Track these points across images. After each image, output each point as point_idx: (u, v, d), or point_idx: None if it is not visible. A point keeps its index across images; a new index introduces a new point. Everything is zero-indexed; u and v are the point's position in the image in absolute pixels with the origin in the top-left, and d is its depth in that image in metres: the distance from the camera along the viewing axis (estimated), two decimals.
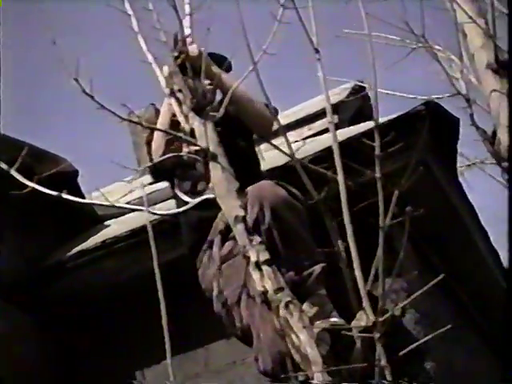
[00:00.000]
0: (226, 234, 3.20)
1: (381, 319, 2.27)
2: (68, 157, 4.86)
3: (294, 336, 2.47)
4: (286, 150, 2.66)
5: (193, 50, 3.13)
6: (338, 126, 3.80)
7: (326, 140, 4.24)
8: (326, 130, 4.97)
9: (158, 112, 4.32)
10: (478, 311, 5.53)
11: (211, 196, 2.81)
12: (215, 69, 3.39)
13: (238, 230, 2.60)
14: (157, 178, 3.91)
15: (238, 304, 3.16)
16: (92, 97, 2.50)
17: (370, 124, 3.87)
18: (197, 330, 4.37)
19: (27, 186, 2.69)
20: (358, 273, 2.34)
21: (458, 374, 4.46)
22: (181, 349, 4.24)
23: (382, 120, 3.84)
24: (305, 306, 2.86)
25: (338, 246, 2.69)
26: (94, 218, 4.98)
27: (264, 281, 2.53)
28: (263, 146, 4.03)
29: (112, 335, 4.63)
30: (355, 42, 2.81)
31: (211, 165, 2.71)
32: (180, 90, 2.85)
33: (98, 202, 2.99)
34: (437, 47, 3.23)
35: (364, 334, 2.39)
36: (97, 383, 4.59)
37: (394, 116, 4.13)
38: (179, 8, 2.89)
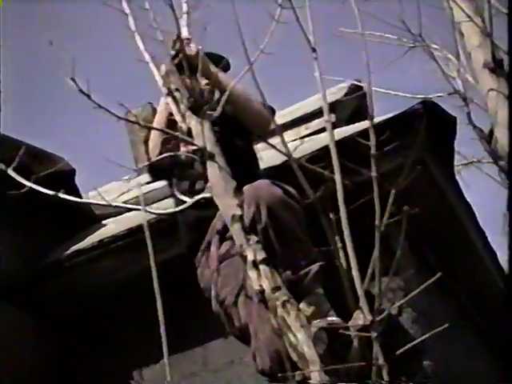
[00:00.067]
0: (224, 233, 3.20)
1: (378, 318, 2.28)
2: (65, 156, 4.86)
3: (291, 335, 2.47)
4: (283, 149, 2.66)
5: (190, 49, 3.13)
6: (335, 126, 3.79)
7: (323, 139, 4.23)
8: (323, 129, 4.95)
9: (155, 111, 4.31)
10: (475, 310, 5.52)
11: (208, 195, 2.81)
12: (212, 68, 3.39)
13: (235, 229, 2.60)
14: (154, 177, 3.90)
15: (235, 303, 3.16)
16: (89, 96, 2.50)
17: (367, 123, 3.86)
18: (195, 329, 4.37)
19: (25, 186, 2.69)
20: (354, 272, 2.34)
21: (455, 373, 4.45)
22: (178, 348, 4.24)
23: (379, 119, 3.85)
24: (302, 305, 2.86)
25: (334, 245, 2.69)
26: (91, 217, 4.97)
27: (261, 280, 2.54)
28: (260, 146, 4.03)
29: (110, 334, 4.62)
30: (352, 41, 2.82)
31: (208, 164, 2.71)
32: (177, 89, 2.86)
33: (95, 202, 2.99)
34: (434, 46, 3.23)
35: (361, 333, 2.39)
36: (94, 382, 4.59)
37: (391, 115, 4.13)
38: (176, 7, 2.89)
